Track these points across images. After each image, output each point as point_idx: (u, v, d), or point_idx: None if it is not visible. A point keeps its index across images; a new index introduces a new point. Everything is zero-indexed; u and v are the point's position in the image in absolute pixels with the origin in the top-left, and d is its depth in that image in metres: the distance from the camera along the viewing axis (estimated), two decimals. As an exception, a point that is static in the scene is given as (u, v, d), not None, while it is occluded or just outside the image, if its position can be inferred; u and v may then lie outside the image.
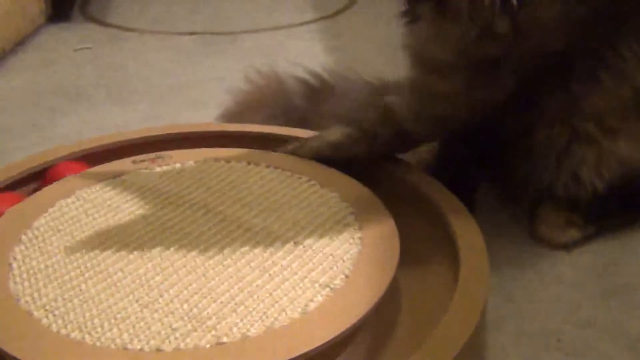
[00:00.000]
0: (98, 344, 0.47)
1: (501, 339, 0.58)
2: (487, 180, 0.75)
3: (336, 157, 0.69)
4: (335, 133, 0.71)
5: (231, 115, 0.87)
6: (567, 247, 0.69)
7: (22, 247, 0.58)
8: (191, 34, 1.42)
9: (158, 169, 0.70)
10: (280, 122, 0.82)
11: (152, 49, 1.34)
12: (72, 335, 0.48)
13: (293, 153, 0.71)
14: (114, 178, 0.68)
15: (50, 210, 0.63)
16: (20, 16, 1.28)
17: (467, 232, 0.60)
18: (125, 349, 0.46)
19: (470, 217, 0.62)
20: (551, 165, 0.66)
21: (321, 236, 0.58)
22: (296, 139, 0.73)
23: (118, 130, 0.93)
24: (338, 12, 1.57)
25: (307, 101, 0.87)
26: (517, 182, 0.70)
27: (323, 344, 0.47)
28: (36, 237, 0.59)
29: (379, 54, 1.26)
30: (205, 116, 0.98)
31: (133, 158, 0.72)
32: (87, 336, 0.47)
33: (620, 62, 0.62)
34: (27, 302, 0.51)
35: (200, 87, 1.13)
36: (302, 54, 1.29)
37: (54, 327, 0.48)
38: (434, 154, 0.78)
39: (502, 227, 0.72)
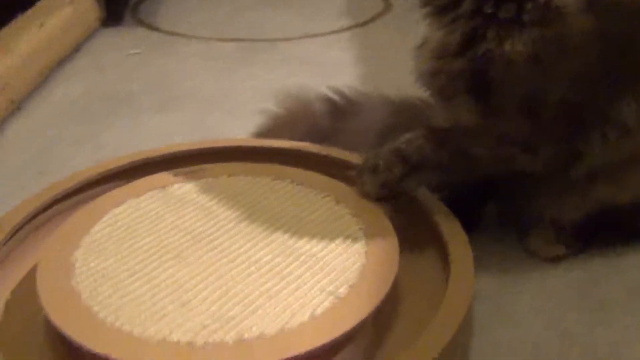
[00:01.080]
0: (143, 335, 0.58)
1: (484, 343, 0.67)
2: (489, 201, 0.84)
3: None
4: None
5: (262, 136, 0.97)
6: (554, 260, 0.78)
7: (82, 251, 0.69)
8: (233, 40, 1.53)
9: (195, 182, 0.81)
10: (307, 141, 0.91)
11: (196, 55, 1.45)
12: (123, 327, 0.59)
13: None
14: (158, 189, 0.79)
15: (105, 217, 0.74)
16: (77, 23, 1.40)
17: (458, 245, 0.69)
18: (165, 341, 0.57)
19: (463, 233, 0.71)
20: (541, 200, 0.74)
21: (332, 250, 0.68)
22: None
23: (162, 139, 1.04)
24: (373, 19, 1.66)
25: (332, 120, 0.96)
26: (514, 207, 0.79)
27: (326, 344, 0.57)
28: (93, 242, 0.70)
29: (408, 64, 1.35)
30: (243, 125, 1.08)
31: (175, 171, 0.83)
32: (134, 329, 0.58)
33: (624, 118, 0.68)
34: (87, 298, 0.62)
35: (239, 96, 1.24)
36: (335, 64, 1.39)
37: (109, 320, 0.59)
38: None
39: (500, 243, 0.80)
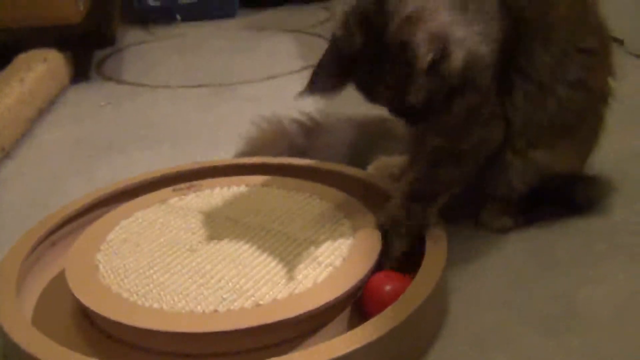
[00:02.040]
0: (172, 310, 0.67)
1: (458, 303, 0.77)
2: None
3: None
4: None
5: (244, 156, 1.08)
6: (502, 231, 0.90)
7: (102, 255, 0.78)
8: (197, 86, 1.64)
9: (193, 194, 0.91)
10: (284, 156, 1.02)
11: (165, 101, 1.55)
12: (154, 305, 0.68)
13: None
14: (160, 203, 0.89)
15: (117, 227, 0.83)
16: (51, 79, 1.50)
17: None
18: (192, 312, 0.67)
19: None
20: (492, 175, 0.87)
21: (323, 233, 0.79)
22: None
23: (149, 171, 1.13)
24: (323, 60, 1.80)
25: (304, 138, 1.08)
26: (470, 188, 0.91)
27: (327, 303, 0.68)
28: (110, 247, 0.79)
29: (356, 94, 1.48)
30: (219, 154, 1.18)
31: (173, 187, 0.93)
32: (164, 305, 0.68)
33: (538, 73, 0.80)
34: (115, 289, 0.71)
35: (211, 131, 1.34)
36: (293, 99, 1.51)
37: (140, 302, 0.68)
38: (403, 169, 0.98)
39: (461, 224, 0.92)
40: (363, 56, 0.74)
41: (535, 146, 0.84)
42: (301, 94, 0.80)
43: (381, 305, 0.67)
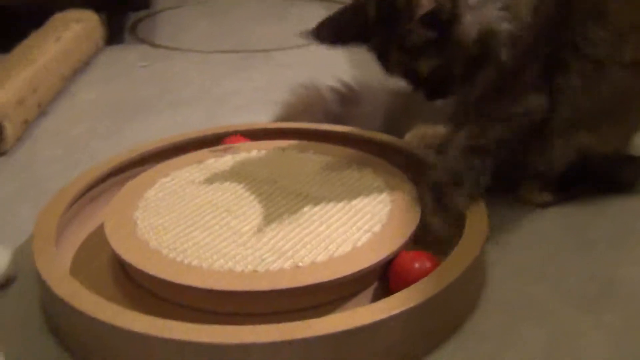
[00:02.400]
0: (211, 268, 0.67)
1: (494, 275, 0.77)
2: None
3: None
4: None
5: (282, 120, 1.07)
6: (542, 206, 0.89)
7: (140, 211, 0.78)
8: (230, 52, 1.63)
9: (230, 156, 0.90)
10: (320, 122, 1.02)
11: (196, 65, 1.55)
12: (193, 263, 0.68)
13: None
14: (197, 163, 0.89)
15: (155, 185, 0.83)
16: (86, 39, 1.50)
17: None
18: (231, 270, 0.66)
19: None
20: (533, 151, 0.85)
21: (363, 199, 0.78)
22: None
23: (181, 131, 1.13)
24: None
25: (341, 106, 1.07)
26: (510, 164, 0.89)
27: (367, 267, 0.67)
28: (149, 204, 0.79)
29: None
30: (249, 119, 1.17)
31: (210, 148, 0.92)
32: (203, 263, 0.67)
33: (594, 49, 0.78)
34: (154, 244, 0.71)
35: (243, 96, 1.33)
36: (328, 65, 1.49)
37: (179, 259, 0.68)
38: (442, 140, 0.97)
39: (503, 199, 0.91)
40: (377, 24, 0.77)
41: (580, 128, 0.83)
42: (305, 34, 0.83)
43: (407, 284, 0.65)
